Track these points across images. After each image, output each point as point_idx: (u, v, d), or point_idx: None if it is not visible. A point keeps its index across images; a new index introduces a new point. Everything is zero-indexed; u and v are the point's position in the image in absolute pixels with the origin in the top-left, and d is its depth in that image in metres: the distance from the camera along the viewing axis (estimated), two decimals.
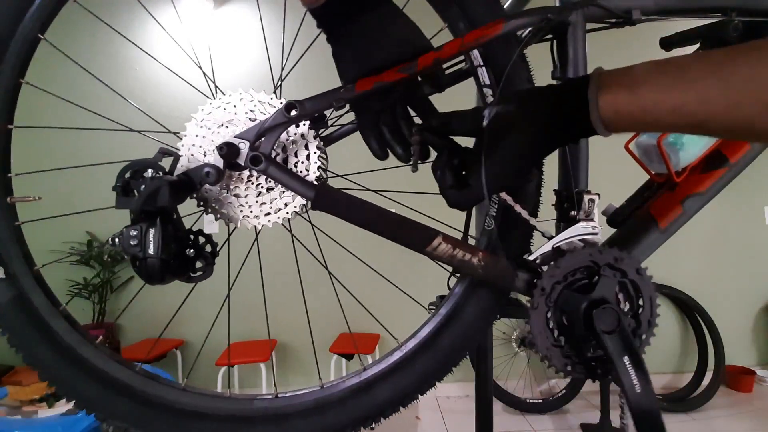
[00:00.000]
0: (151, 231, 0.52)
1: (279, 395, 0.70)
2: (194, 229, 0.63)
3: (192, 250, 0.60)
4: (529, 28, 0.72)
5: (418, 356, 0.71)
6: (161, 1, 2.94)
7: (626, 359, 0.60)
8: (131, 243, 0.52)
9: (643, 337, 0.63)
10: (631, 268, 0.63)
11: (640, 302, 0.63)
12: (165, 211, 0.54)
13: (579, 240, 0.66)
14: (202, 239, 0.63)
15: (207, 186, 0.61)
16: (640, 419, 0.61)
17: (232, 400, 0.70)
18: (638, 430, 0.61)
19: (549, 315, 0.63)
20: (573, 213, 0.68)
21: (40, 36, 0.65)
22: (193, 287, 0.62)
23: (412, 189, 0.76)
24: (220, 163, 0.59)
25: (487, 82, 0.69)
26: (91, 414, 0.66)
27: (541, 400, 2.95)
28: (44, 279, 0.68)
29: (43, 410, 1.78)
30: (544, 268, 0.65)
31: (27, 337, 0.65)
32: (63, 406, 1.77)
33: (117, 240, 0.52)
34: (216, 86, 0.72)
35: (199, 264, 0.62)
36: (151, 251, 0.52)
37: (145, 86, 3.05)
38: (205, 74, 0.76)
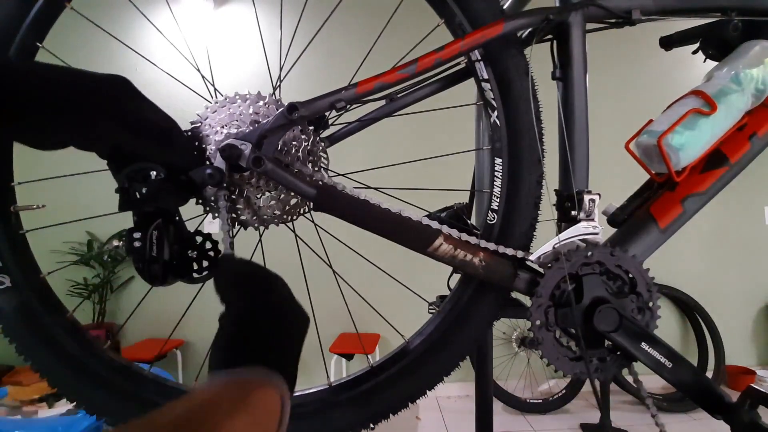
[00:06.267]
0: (154, 233, 0.52)
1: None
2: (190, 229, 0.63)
3: (194, 252, 0.60)
4: (529, 29, 0.73)
5: (425, 352, 0.71)
6: (161, 1, 2.93)
7: (644, 345, 0.61)
8: (134, 245, 0.51)
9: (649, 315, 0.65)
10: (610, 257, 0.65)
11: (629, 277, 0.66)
12: (168, 213, 0.54)
13: (580, 240, 0.66)
14: (203, 240, 0.63)
15: (210, 188, 0.61)
16: (688, 390, 0.63)
17: None
18: (694, 401, 0.64)
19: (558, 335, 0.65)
20: (574, 213, 0.69)
21: (38, 44, 0.65)
22: (201, 287, 0.62)
23: (411, 186, 0.76)
24: (222, 164, 0.59)
25: (485, 77, 0.69)
26: (101, 419, 0.66)
27: (541, 400, 2.95)
28: (50, 286, 0.68)
29: (43, 410, 1.78)
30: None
31: (34, 345, 0.65)
32: (63, 406, 1.77)
33: (120, 242, 0.52)
34: (215, 89, 0.72)
35: (197, 265, 0.62)
36: (154, 253, 0.52)
37: (145, 88, 3.00)
38: (204, 77, 0.76)
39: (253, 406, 0.35)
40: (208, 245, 0.61)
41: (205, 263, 0.60)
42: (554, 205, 0.74)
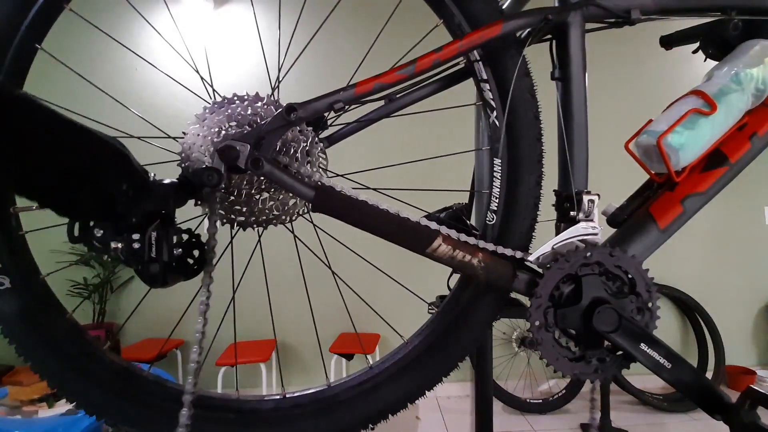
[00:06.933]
0: (153, 234, 0.52)
1: (286, 395, 0.70)
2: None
3: (179, 249, 0.60)
4: (528, 29, 0.72)
5: (425, 352, 0.71)
6: (160, 2, 2.93)
7: (643, 345, 0.61)
8: (134, 247, 0.51)
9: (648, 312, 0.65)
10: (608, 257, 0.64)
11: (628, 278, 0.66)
12: (166, 215, 0.54)
13: (579, 240, 0.66)
14: (186, 236, 0.62)
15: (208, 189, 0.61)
16: (688, 391, 0.63)
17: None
18: (694, 402, 0.63)
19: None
20: (573, 213, 0.68)
21: (37, 46, 0.65)
22: (201, 287, 0.61)
23: (410, 186, 0.76)
24: (221, 166, 0.59)
25: (485, 77, 0.69)
26: (102, 419, 0.66)
27: (541, 400, 2.95)
28: (50, 287, 0.68)
29: (43, 410, 1.78)
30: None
31: (34, 346, 0.65)
32: (63, 406, 1.77)
33: (120, 245, 0.52)
34: (214, 90, 0.72)
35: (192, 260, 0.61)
36: (153, 254, 0.52)
37: (145, 87, 3.05)
38: (203, 79, 0.76)
39: None
40: (185, 237, 0.60)
41: (196, 252, 0.60)
42: (553, 205, 0.74)
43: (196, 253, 0.60)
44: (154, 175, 0.57)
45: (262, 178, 0.64)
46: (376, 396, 0.70)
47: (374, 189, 0.77)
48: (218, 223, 0.66)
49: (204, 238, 0.62)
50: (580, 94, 0.72)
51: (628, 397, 3.00)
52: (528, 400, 2.94)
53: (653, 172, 0.77)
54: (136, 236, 0.52)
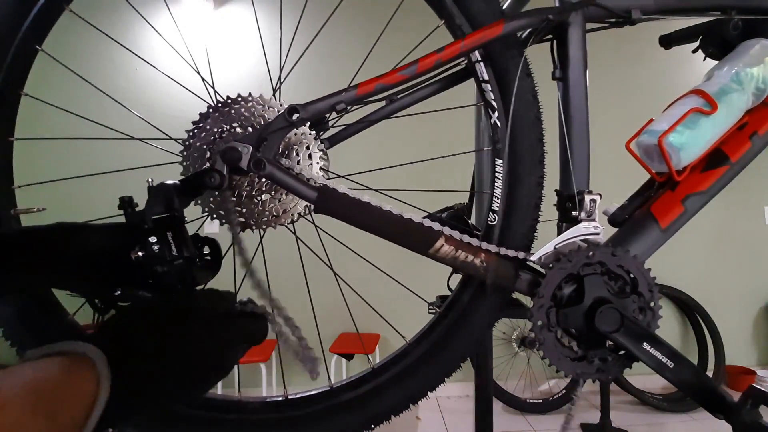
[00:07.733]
0: (169, 235, 0.51)
1: (289, 396, 0.70)
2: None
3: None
4: (529, 29, 0.72)
5: (427, 353, 0.71)
6: (160, 2, 2.93)
7: (645, 345, 0.62)
8: (154, 249, 0.51)
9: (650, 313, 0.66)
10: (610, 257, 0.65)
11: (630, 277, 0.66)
12: (175, 216, 0.54)
13: (581, 240, 0.66)
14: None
15: (211, 190, 0.61)
16: (691, 390, 0.63)
17: None
18: (696, 401, 0.64)
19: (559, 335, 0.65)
20: (575, 213, 0.68)
21: (37, 47, 0.65)
22: (203, 287, 0.62)
23: (411, 186, 0.76)
24: (223, 167, 0.59)
25: (486, 78, 0.69)
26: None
27: (541, 400, 2.95)
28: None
29: None
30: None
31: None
32: None
33: (140, 253, 0.51)
34: (215, 91, 0.71)
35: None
36: (175, 252, 0.51)
37: (146, 87, 3.05)
38: (203, 80, 0.76)
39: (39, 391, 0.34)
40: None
41: (206, 249, 0.60)
42: (555, 205, 0.74)
43: (206, 249, 0.60)
44: (152, 180, 0.57)
45: (263, 179, 0.63)
46: (379, 397, 0.70)
47: (375, 190, 0.77)
48: (218, 224, 0.66)
49: (204, 237, 0.62)
50: (581, 94, 0.72)
51: (628, 397, 3.00)
52: (528, 400, 2.94)
53: (654, 172, 0.77)
54: (153, 239, 0.51)
